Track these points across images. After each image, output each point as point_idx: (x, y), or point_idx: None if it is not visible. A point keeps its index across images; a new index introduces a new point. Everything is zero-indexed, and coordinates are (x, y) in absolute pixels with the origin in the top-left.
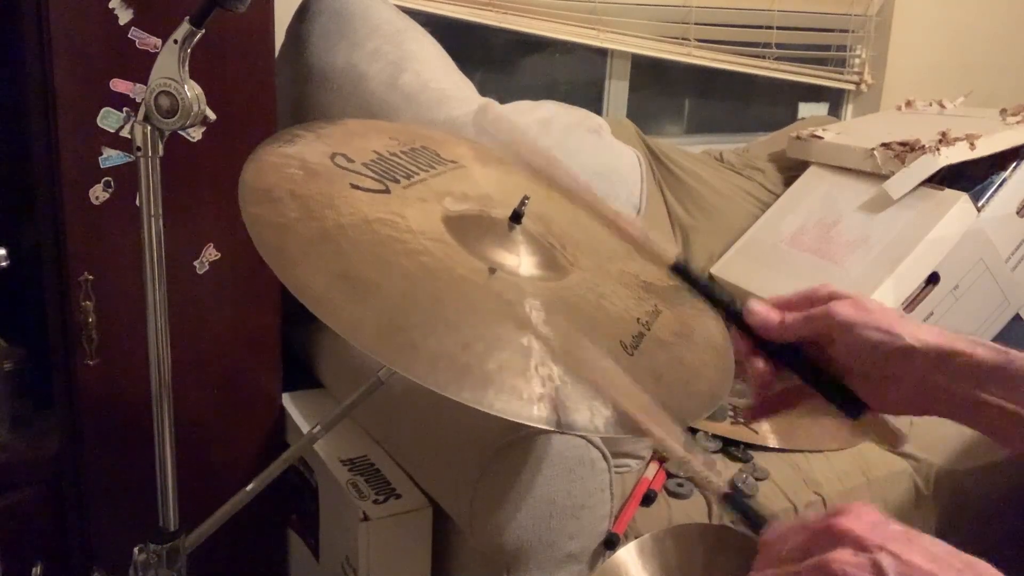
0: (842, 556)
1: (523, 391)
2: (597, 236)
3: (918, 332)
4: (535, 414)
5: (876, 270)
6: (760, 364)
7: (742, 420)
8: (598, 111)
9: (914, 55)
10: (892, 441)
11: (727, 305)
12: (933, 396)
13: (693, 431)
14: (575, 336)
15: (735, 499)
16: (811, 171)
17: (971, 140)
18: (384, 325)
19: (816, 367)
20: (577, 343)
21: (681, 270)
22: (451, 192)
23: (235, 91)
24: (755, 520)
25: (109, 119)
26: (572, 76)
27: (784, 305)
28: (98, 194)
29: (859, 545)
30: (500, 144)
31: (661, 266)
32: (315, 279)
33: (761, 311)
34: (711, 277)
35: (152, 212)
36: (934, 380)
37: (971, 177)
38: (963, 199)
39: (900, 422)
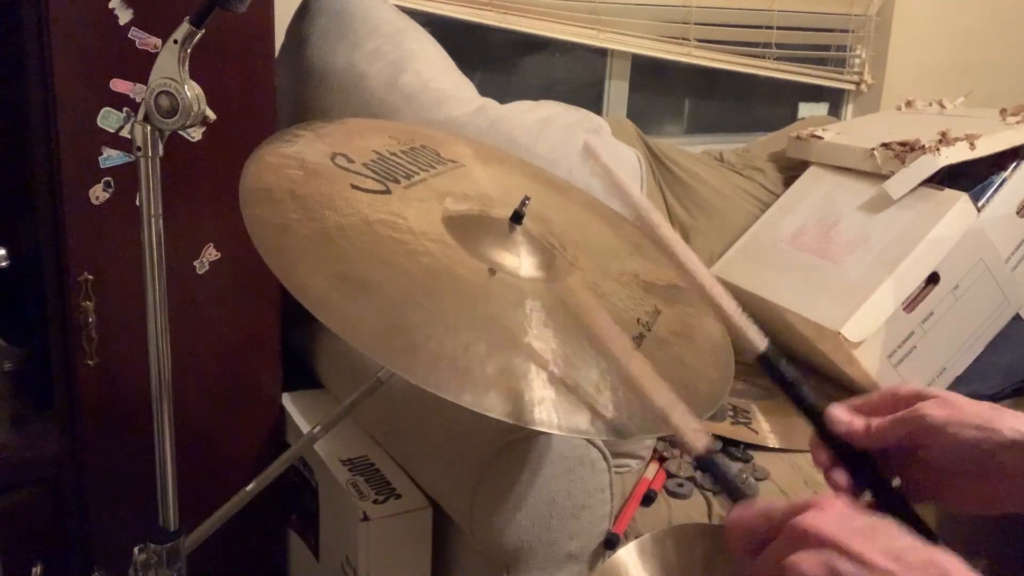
0: (802, 560)
1: (524, 393)
2: (597, 236)
3: (1016, 423)
4: (536, 417)
5: (876, 270)
6: (842, 480)
7: (742, 421)
8: (598, 111)
9: (914, 55)
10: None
11: (811, 410)
12: None
13: None
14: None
15: (711, 463)
16: (811, 171)
17: (971, 140)
18: (384, 326)
19: (889, 488)
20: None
21: (769, 364)
22: (451, 192)
23: (235, 91)
24: (730, 488)
25: (109, 119)
26: (572, 76)
27: (867, 409)
28: (98, 194)
29: (819, 546)
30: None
31: (752, 356)
32: (315, 280)
33: (845, 419)
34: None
35: (152, 212)
36: None
37: (971, 177)
38: (963, 199)
39: None
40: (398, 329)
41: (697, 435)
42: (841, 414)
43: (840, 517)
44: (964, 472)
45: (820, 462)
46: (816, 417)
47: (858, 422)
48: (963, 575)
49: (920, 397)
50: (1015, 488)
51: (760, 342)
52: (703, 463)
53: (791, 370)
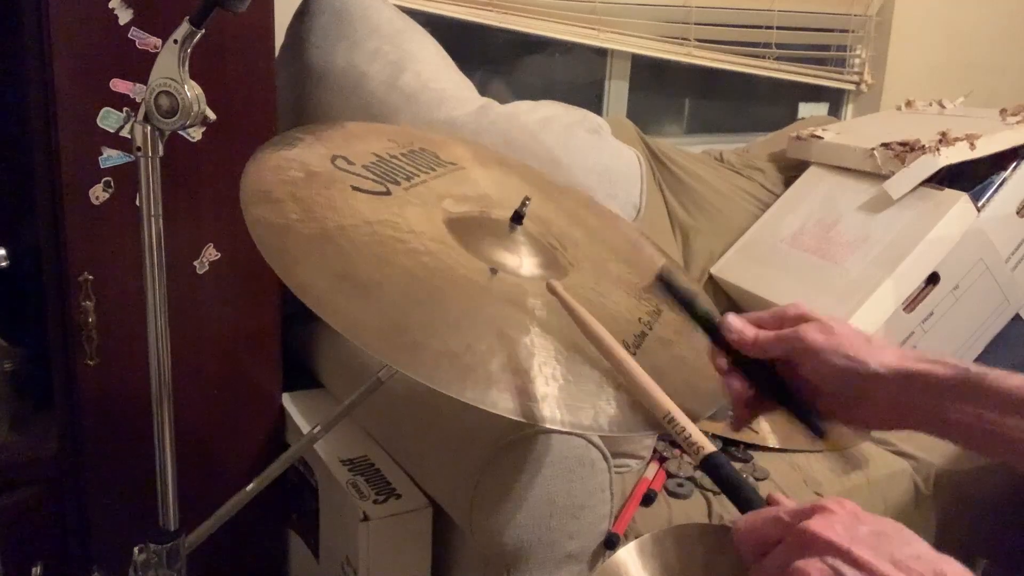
0: (810, 566)
1: (526, 390)
2: (597, 237)
3: (882, 357)
4: (539, 413)
5: (876, 270)
6: (736, 384)
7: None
8: (598, 111)
9: (914, 55)
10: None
11: (706, 319)
12: (901, 414)
13: None
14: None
15: (721, 469)
16: (811, 171)
17: (971, 140)
18: (386, 325)
19: (784, 388)
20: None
21: (665, 282)
22: (451, 194)
23: (235, 91)
24: (740, 495)
25: (109, 119)
26: (572, 76)
27: (758, 322)
28: (98, 194)
29: (826, 552)
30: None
31: (649, 276)
32: (316, 279)
33: (737, 326)
34: (711, 278)
35: (152, 212)
36: (901, 400)
37: (971, 177)
38: (963, 199)
39: None
40: (400, 327)
41: (705, 438)
42: (734, 321)
43: (847, 523)
44: (835, 393)
45: (719, 367)
46: (712, 326)
47: (748, 332)
48: None
49: (804, 319)
50: (882, 412)
51: (658, 261)
52: (712, 468)
53: (686, 286)
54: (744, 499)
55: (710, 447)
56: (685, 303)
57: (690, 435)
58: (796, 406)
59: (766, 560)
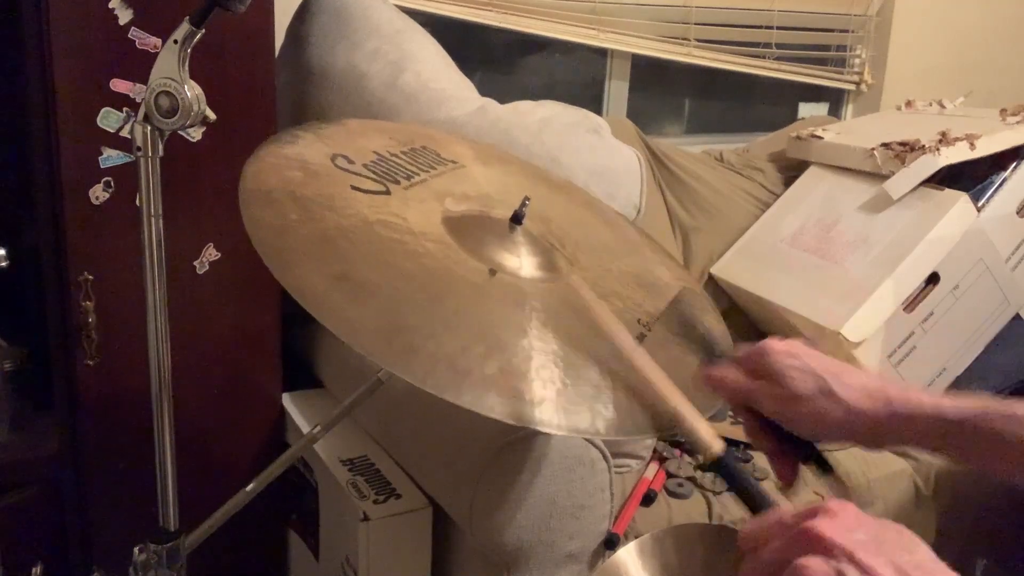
0: (813, 564)
1: (524, 393)
2: (597, 236)
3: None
4: (536, 417)
5: (876, 270)
6: (767, 443)
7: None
8: (598, 111)
9: (914, 55)
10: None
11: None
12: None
13: None
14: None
15: (725, 464)
16: (811, 171)
17: (971, 140)
18: (384, 328)
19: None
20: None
21: (722, 467)
22: (452, 192)
23: (235, 91)
24: (753, 497)
25: (109, 119)
26: (572, 76)
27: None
28: (98, 194)
29: (829, 552)
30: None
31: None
32: (314, 281)
33: (715, 376)
34: (711, 278)
35: (152, 212)
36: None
37: (971, 177)
38: (963, 199)
39: None
40: (397, 330)
41: (713, 437)
42: (713, 372)
43: (849, 526)
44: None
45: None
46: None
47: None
48: None
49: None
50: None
51: (716, 446)
52: (723, 470)
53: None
54: (755, 497)
55: (719, 446)
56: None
57: (699, 434)
58: (798, 446)
59: (762, 552)
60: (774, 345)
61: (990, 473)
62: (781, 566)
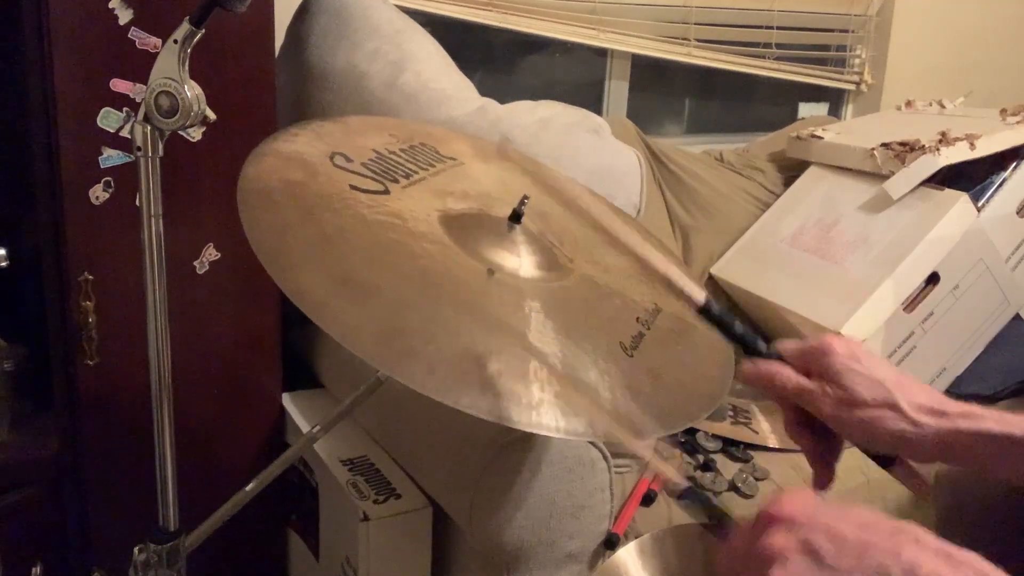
0: (774, 539)
1: (522, 396)
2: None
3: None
4: (534, 419)
5: (876, 270)
6: (805, 441)
7: (742, 421)
8: (598, 111)
9: (914, 55)
10: (917, 488)
11: (753, 347)
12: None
13: (693, 431)
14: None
15: (694, 494)
16: (811, 171)
17: (971, 140)
18: (382, 331)
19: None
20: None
21: (708, 312)
22: (451, 191)
23: (235, 91)
24: (713, 515)
25: (109, 119)
26: (572, 76)
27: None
28: (98, 194)
29: (791, 525)
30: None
31: (689, 305)
32: (313, 284)
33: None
34: (711, 278)
35: (152, 212)
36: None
37: (971, 177)
38: (963, 199)
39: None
40: (396, 333)
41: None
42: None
43: (808, 500)
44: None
45: (788, 423)
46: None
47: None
48: (930, 540)
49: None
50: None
51: (698, 293)
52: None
53: (729, 316)
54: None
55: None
56: (729, 332)
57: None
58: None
59: (733, 542)
60: (836, 346)
61: None
62: (749, 552)
